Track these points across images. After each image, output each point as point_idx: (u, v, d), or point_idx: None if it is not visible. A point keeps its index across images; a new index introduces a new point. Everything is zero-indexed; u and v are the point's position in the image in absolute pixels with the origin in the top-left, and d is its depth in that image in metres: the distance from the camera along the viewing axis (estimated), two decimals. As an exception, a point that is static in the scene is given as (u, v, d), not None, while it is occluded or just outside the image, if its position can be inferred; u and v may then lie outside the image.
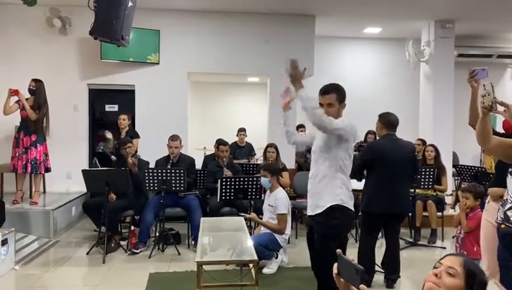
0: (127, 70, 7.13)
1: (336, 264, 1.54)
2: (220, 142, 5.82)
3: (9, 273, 4.40)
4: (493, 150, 2.65)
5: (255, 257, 2.83)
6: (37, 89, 5.74)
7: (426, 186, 5.68)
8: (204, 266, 2.97)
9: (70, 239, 5.74)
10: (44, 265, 4.73)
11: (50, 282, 4.32)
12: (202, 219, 4.08)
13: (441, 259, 1.60)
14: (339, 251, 1.55)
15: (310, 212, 3.03)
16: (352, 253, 5.02)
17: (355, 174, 5.27)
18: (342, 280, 1.52)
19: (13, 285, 4.25)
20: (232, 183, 5.11)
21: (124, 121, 6.45)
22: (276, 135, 7.10)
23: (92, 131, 7.37)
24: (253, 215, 4.69)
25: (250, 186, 5.14)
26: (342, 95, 2.96)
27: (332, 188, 2.88)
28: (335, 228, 2.88)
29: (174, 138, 5.56)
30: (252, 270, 2.97)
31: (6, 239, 4.38)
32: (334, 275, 1.54)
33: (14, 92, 5.59)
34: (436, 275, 1.54)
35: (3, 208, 4.41)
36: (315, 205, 2.95)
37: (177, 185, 5.12)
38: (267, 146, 6.04)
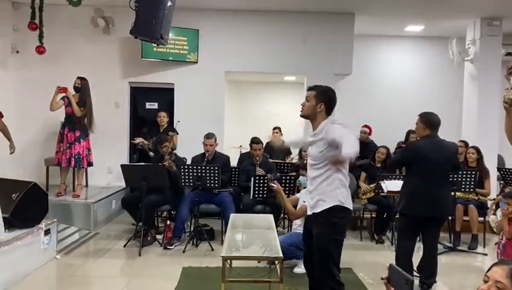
0: (167, 69, 7.31)
1: (387, 273, 1.66)
2: (253, 141, 5.83)
3: (51, 262, 4.62)
4: None
5: (280, 254, 2.83)
6: (82, 86, 5.96)
7: (467, 190, 5.48)
8: (234, 263, 3.00)
9: (109, 232, 5.95)
10: (84, 256, 4.94)
11: (89, 272, 4.50)
12: (232, 215, 4.12)
13: (487, 271, 1.59)
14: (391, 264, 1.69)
15: (309, 211, 3.09)
16: (388, 256, 4.95)
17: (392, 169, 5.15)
18: (392, 288, 1.61)
19: (54, 273, 4.46)
20: (266, 181, 5.12)
21: (164, 118, 6.59)
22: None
23: (133, 127, 7.59)
24: (279, 187, 4.29)
25: (283, 185, 5.14)
26: (323, 96, 3.04)
27: (331, 189, 2.94)
28: (333, 227, 2.94)
29: (209, 136, 5.65)
30: (277, 267, 2.98)
31: (49, 229, 4.60)
32: (383, 283, 1.64)
33: (63, 90, 5.81)
34: None
35: (46, 199, 4.62)
36: (315, 205, 3.01)
37: (212, 181, 5.19)
38: (303, 145, 5.99)
